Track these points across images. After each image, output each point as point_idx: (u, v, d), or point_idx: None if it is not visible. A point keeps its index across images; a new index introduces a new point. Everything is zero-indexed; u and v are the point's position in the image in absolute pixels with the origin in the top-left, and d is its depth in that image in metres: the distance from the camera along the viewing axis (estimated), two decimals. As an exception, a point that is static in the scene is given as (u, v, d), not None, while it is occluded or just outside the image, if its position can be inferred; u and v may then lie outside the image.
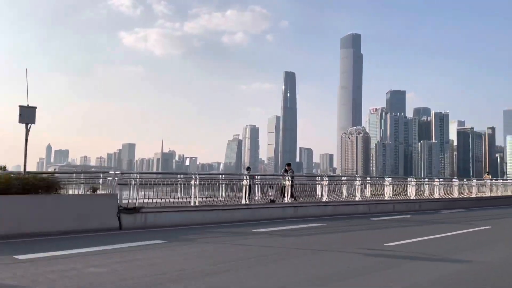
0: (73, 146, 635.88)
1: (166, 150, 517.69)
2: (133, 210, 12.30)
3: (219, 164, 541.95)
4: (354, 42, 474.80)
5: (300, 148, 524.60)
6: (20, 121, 11.67)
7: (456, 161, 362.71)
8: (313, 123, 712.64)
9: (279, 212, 16.36)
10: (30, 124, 11.78)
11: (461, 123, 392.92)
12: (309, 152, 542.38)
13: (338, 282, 7.00)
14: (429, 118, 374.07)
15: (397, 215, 19.29)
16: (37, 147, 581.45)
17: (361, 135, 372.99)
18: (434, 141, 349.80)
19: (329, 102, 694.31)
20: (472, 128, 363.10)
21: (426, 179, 26.97)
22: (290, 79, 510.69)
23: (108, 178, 13.27)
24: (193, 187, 14.15)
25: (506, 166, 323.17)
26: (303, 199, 18.37)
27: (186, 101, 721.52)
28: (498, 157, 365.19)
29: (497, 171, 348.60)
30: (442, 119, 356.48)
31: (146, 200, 13.09)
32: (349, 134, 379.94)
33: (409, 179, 24.68)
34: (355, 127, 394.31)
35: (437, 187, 25.34)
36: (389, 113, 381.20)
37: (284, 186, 17.82)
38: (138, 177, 13.49)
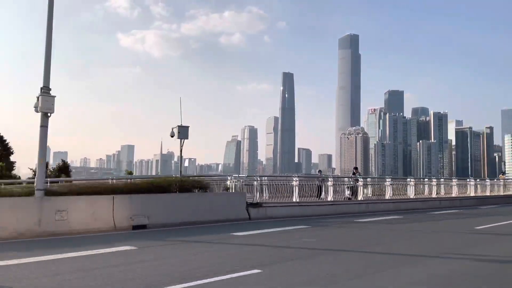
0: (72, 147, 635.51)
1: (164, 152, 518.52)
2: (257, 205, 14.91)
3: (217, 165, 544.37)
4: (352, 43, 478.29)
5: (299, 149, 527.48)
6: (178, 137, 14.46)
7: (454, 161, 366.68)
8: (311, 124, 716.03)
9: (355, 207, 18.94)
10: (183, 140, 14.64)
11: (459, 122, 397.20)
12: (308, 152, 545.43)
13: (466, 249, 9.60)
14: (427, 118, 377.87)
15: (448, 210, 21.80)
16: (36, 149, 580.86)
17: (360, 135, 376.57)
18: (433, 140, 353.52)
19: (327, 102, 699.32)
20: (470, 127, 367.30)
21: (468, 180, 29.60)
22: (288, 80, 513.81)
23: (234, 180, 15.93)
24: (295, 187, 16.72)
25: (505, 165, 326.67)
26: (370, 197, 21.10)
27: (184, 102, 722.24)
28: (496, 157, 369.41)
29: (495, 170, 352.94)
30: (441, 119, 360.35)
31: (262, 198, 15.79)
32: (348, 135, 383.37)
33: (453, 180, 27.40)
34: (354, 128, 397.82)
35: (473, 186, 27.99)
36: (387, 114, 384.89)
37: (352, 187, 20.45)
38: (259, 179, 16.07)
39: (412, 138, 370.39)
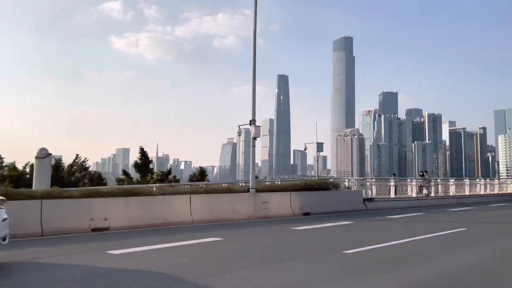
0: (66, 151, 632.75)
1: (160, 155, 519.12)
2: (370, 199, 18.54)
3: (213, 167, 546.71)
4: (346, 45, 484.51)
5: (294, 150, 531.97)
6: (317, 150, 18.15)
7: (449, 161, 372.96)
8: (306, 125, 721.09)
9: (430, 202, 22.74)
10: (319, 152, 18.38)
11: (452, 123, 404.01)
12: (303, 154, 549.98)
13: None
14: (422, 119, 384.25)
15: (497, 204, 25.48)
16: (31, 152, 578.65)
17: (356, 136, 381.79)
18: (427, 141, 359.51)
19: (321, 104, 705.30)
20: (464, 128, 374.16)
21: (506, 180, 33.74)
22: (283, 82, 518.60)
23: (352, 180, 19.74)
24: (391, 187, 20.50)
25: (498, 165, 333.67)
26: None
27: (179, 104, 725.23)
28: (490, 156, 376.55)
29: (489, 170, 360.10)
30: (435, 120, 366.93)
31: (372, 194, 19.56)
32: (344, 136, 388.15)
33: (495, 180, 31.47)
34: (349, 129, 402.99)
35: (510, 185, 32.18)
36: (382, 115, 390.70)
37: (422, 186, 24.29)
38: (372, 179, 19.82)
39: (407, 139, 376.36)
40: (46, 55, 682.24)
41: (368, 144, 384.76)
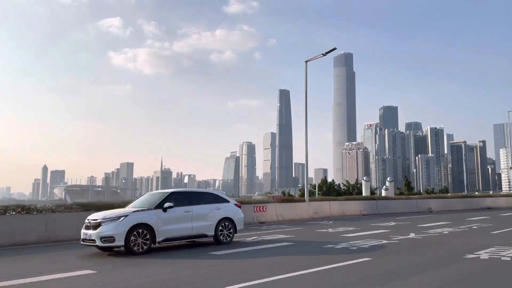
0: (68, 166, 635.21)
1: (159, 169, 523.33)
2: None
3: (214, 180, 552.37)
4: (346, 61, 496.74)
5: (295, 163, 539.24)
6: None
7: (450, 174, 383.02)
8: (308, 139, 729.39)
9: None
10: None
11: (450, 136, 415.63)
12: (304, 167, 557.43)
13: None
14: (424, 133, 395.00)
15: None
16: (33, 168, 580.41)
17: (361, 150, 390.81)
18: (430, 154, 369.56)
19: (323, 118, 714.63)
20: (465, 141, 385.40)
21: None
22: (284, 97, 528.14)
23: None
24: None
25: (500, 177, 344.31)
26: None
27: (177, 118, 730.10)
28: (489, 169, 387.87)
29: (489, 182, 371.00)
30: (437, 133, 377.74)
31: None
32: (349, 150, 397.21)
33: None
34: (354, 142, 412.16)
35: None
36: (386, 129, 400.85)
37: None
38: None
39: (410, 152, 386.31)
40: (43, 70, 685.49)
41: (371, 157, 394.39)
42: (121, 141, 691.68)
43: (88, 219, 11.72)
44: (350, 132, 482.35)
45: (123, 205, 13.96)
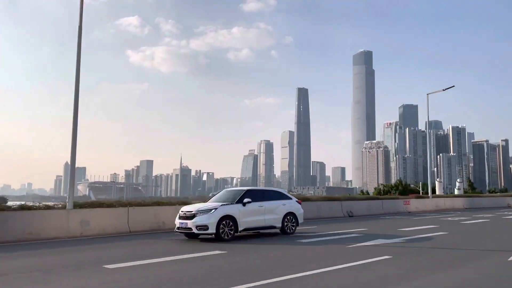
0: (89, 163, 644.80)
1: (178, 166, 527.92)
2: None
3: (232, 178, 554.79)
4: (366, 59, 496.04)
5: (313, 162, 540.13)
6: None
7: (472, 173, 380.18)
8: (324, 137, 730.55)
9: None
10: None
11: (470, 135, 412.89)
12: (322, 165, 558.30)
13: None
14: (445, 132, 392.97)
15: None
16: (55, 165, 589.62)
17: (381, 149, 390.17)
18: (452, 153, 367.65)
19: (341, 116, 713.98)
20: (487, 140, 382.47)
21: None
22: (303, 95, 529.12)
23: None
24: None
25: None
26: None
27: (195, 116, 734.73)
28: (511, 168, 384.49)
29: (511, 181, 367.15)
30: (459, 132, 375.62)
31: None
32: (370, 148, 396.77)
33: None
34: (374, 141, 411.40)
35: None
36: (406, 128, 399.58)
37: None
38: None
39: (431, 151, 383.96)
40: (63, 69, 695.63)
41: (391, 156, 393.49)
42: (139, 139, 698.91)
43: (182, 211, 13.84)
44: (369, 130, 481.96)
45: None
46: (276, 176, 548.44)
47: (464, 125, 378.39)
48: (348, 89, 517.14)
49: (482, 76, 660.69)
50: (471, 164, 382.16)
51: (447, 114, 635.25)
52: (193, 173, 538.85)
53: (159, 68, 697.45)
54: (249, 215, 14.09)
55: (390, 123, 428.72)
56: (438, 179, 66.24)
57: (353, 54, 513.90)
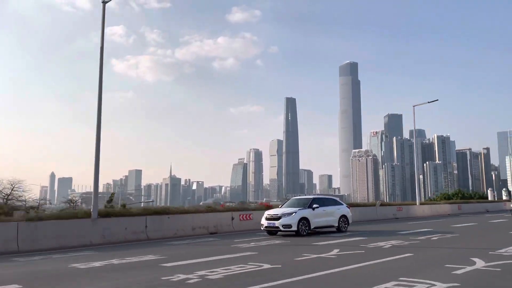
0: (75, 173, 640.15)
1: (167, 176, 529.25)
2: None
3: (220, 187, 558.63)
4: (351, 70, 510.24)
5: (300, 170, 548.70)
6: None
7: (456, 180, 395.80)
8: (311, 146, 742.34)
9: None
10: None
11: (452, 143, 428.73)
12: (309, 173, 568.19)
13: None
14: (430, 140, 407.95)
15: None
16: (41, 175, 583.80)
17: (370, 157, 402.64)
18: (438, 161, 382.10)
19: (328, 125, 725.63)
20: (470, 149, 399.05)
21: None
22: (291, 104, 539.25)
23: None
24: None
25: (506, 184, 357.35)
26: None
27: (179, 126, 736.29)
28: (493, 175, 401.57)
29: (493, 189, 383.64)
30: (444, 141, 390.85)
31: None
32: (359, 157, 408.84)
33: None
34: (363, 150, 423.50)
35: None
36: (394, 137, 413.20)
37: None
38: None
39: (417, 159, 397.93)
40: (46, 78, 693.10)
41: (380, 164, 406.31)
42: (126, 148, 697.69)
43: (269, 214, 17.75)
44: (356, 139, 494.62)
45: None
46: (264, 184, 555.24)
47: (448, 134, 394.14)
48: (334, 99, 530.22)
49: (465, 85, 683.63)
50: (455, 172, 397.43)
51: (430, 123, 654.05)
52: (182, 182, 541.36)
53: (144, 77, 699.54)
54: (317, 217, 17.80)
55: (376, 132, 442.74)
56: (490, 189, 78.26)
57: (339, 65, 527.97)
